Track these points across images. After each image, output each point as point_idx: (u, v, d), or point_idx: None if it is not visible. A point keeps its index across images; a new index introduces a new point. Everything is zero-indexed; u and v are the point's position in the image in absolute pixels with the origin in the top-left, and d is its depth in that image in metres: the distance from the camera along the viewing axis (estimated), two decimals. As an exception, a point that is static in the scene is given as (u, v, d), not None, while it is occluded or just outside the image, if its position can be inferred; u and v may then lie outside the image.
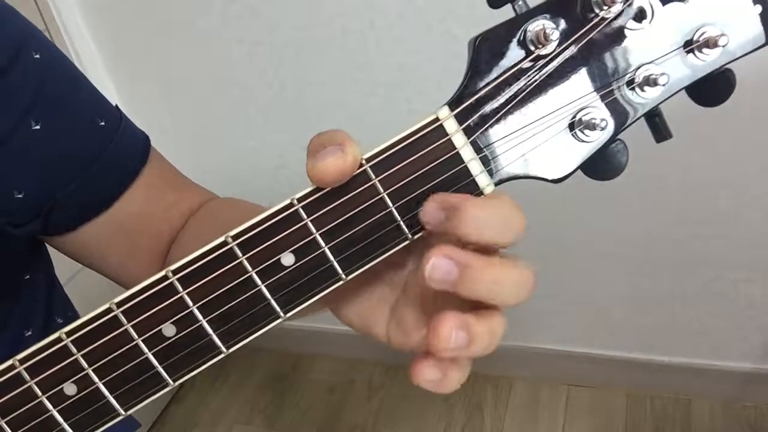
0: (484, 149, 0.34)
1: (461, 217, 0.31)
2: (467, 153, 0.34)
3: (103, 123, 0.53)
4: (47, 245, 0.62)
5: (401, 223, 0.34)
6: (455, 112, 0.33)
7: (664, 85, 0.32)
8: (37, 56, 0.49)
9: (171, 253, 0.57)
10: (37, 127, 0.48)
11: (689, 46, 0.33)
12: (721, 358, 1.46)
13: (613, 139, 0.34)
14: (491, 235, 0.31)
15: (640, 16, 0.32)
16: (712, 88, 0.33)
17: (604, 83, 0.33)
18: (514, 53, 0.33)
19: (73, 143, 0.51)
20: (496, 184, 0.34)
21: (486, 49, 0.33)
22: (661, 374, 1.53)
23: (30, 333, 0.59)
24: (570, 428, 1.54)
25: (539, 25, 0.32)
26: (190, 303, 0.35)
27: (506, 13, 0.34)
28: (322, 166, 0.32)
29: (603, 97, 0.33)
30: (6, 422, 0.36)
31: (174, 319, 0.35)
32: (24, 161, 0.49)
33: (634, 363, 1.53)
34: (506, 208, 0.32)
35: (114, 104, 0.56)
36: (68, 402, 0.36)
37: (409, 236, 0.35)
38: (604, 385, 1.58)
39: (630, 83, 0.33)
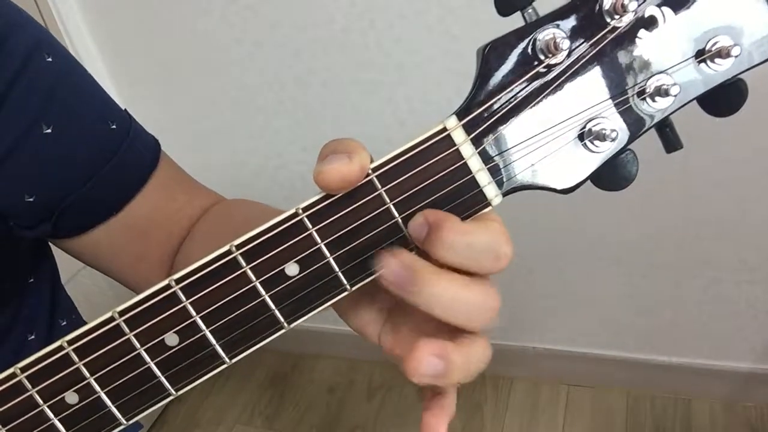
0: (492, 159, 0.33)
1: (438, 239, 0.31)
2: (475, 163, 0.33)
3: (114, 126, 0.53)
4: (52, 247, 0.61)
5: (407, 233, 0.34)
6: (463, 121, 0.33)
7: (675, 95, 0.32)
8: (50, 59, 0.49)
9: (180, 253, 0.57)
10: (49, 130, 0.49)
11: (701, 56, 0.32)
12: (722, 358, 1.46)
13: (623, 149, 0.33)
14: (466, 262, 0.31)
15: (651, 25, 0.32)
16: (723, 99, 0.33)
17: (615, 93, 0.33)
18: (524, 62, 0.32)
19: (84, 147, 0.51)
20: (504, 194, 0.34)
21: (494, 58, 0.32)
22: (661, 374, 1.53)
23: (33, 337, 0.59)
24: (570, 428, 1.54)
25: (549, 34, 0.32)
26: (193, 312, 0.34)
27: (510, 17, 0.33)
28: (327, 170, 0.32)
29: (614, 108, 0.33)
30: (7, 430, 0.36)
31: (177, 328, 0.35)
32: (35, 165, 0.49)
33: (634, 363, 1.54)
34: (489, 236, 0.32)
35: (123, 108, 0.56)
36: (70, 411, 0.36)
37: (414, 246, 0.34)
38: (604, 385, 1.58)
39: (641, 93, 0.33)
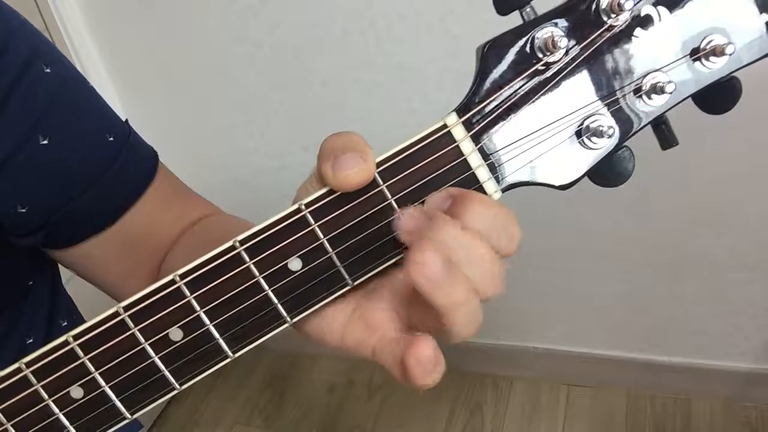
0: (492, 156, 0.34)
1: (466, 207, 0.31)
2: (475, 160, 0.34)
3: (111, 138, 0.53)
4: None
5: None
6: (463, 118, 0.33)
7: (670, 92, 0.32)
8: (48, 70, 0.49)
9: (161, 270, 0.57)
10: (45, 141, 0.48)
11: (696, 54, 0.33)
12: (721, 358, 1.46)
13: (619, 146, 0.34)
14: (489, 233, 0.32)
15: (647, 23, 0.32)
16: (718, 96, 0.33)
17: (612, 91, 0.33)
18: (522, 60, 0.33)
19: (80, 158, 0.51)
20: (504, 190, 0.35)
21: (494, 56, 0.33)
22: (661, 374, 1.53)
23: (31, 341, 0.59)
24: (570, 428, 1.54)
25: (547, 32, 0.32)
26: (197, 307, 0.35)
27: (509, 16, 0.34)
28: (347, 176, 0.32)
29: (610, 105, 0.33)
30: (12, 425, 0.37)
31: (181, 323, 0.35)
32: (30, 176, 0.49)
33: (634, 363, 1.54)
34: (507, 214, 0.32)
35: (124, 119, 0.56)
36: (74, 405, 0.36)
37: None
38: (604, 385, 1.59)
39: (637, 91, 0.33)
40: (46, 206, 0.51)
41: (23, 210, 0.49)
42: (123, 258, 0.56)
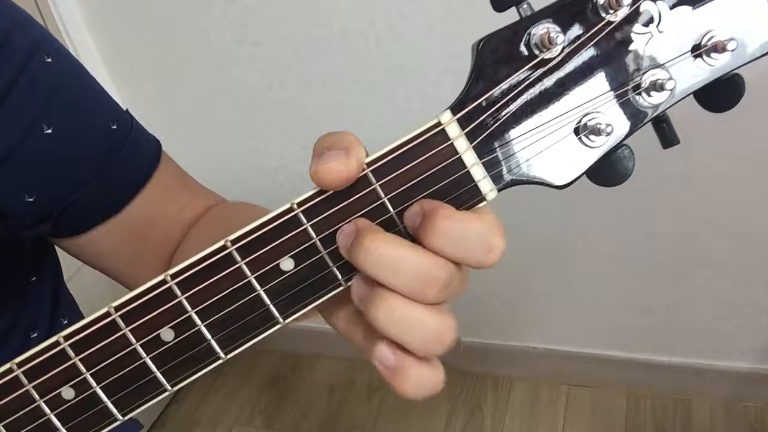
0: (487, 154, 0.33)
1: (431, 226, 0.31)
2: (469, 158, 0.33)
3: (114, 127, 0.53)
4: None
5: (402, 228, 0.34)
6: (458, 116, 0.33)
7: (671, 90, 0.32)
8: (49, 60, 0.49)
9: (175, 256, 0.57)
10: (49, 131, 0.49)
11: (697, 50, 0.32)
12: (722, 358, 1.46)
13: (619, 144, 0.33)
14: (458, 251, 0.31)
15: (647, 20, 0.32)
16: (720, 94, 0.32)
17: (610, 88, 0.33)
18: (518, 57, 0.32)
19: (84, 147, 0.52)
20: (500, 189, 0.34)
21: (489, 52, 0.32)
22: (661, 374, 1.53)
23: (36, 334, 0.60)
24: (570, 428, 1.54)
25: (544, 28, 0.31)
26: (189, 308, 0.34)
27: (508, 15, 0.33)
28: (324, 170, 0.32)
29: (609, 102, 0.33)
30: (3, 426, 0.36)
31: (172, 323, 0.35)
32: (35, 165, 0.49)
33: (634, 363, 1.54)
34: (483, 226, 0.31)
35: (125, 109, 0.56)
36: (66, 406, 0.36)
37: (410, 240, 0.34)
38: (604, 385, 1.58)
39: (636, 88, 0.32)
40: (52, 195, 0.51)
41: (30, 200, 0.50)
42: (131, 246, 0.57)
